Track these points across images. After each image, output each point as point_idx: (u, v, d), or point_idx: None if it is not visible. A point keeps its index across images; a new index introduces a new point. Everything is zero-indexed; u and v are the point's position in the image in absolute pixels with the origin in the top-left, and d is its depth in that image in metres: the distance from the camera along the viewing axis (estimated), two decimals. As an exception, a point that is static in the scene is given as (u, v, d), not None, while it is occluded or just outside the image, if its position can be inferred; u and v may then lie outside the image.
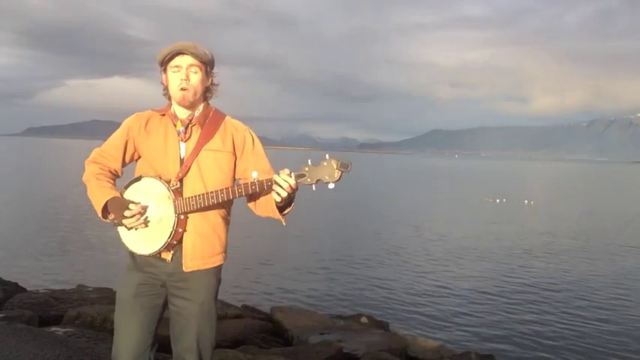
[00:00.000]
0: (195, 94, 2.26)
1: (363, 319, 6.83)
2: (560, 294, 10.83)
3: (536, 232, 20.14)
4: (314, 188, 2.05)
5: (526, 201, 32.19)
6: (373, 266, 12.85)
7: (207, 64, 2.29)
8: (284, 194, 2.06)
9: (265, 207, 2.26)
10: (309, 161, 2.03)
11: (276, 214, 2.21)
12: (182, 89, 2.23)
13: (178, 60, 2.23)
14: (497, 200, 32.06)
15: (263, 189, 2.11)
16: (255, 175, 2.11)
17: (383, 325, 6.96)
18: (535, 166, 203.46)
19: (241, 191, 2.13)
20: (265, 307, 7.43)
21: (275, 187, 2.06)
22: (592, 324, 8.94)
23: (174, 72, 2.25)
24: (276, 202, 2.14)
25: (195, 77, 2.25)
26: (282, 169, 2.09)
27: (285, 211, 2.24)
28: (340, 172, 1.99)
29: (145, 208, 2.23)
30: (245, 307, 7.05)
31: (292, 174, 2.04)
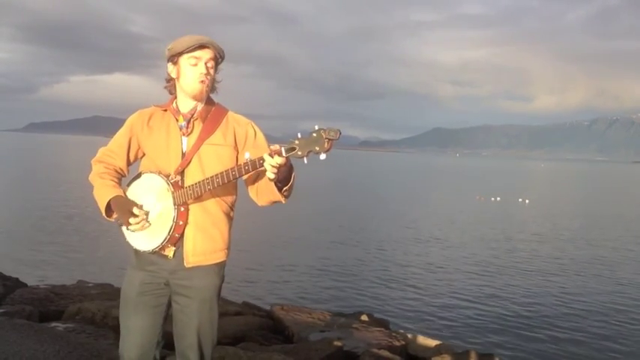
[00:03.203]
0: (210, 87, 2.29)
1: (364, 317, 6.83)
2: (559, 293, 10.84)
3: (532, 231, 20.17)
4: (306, 161, 2.02)
5: (520, 199, 32.31)
6: (373, 264, 12.87)
7: (220, 61, 2.31)
8: (274, 171, 2.04)
9: (265, 190, 2.24)
10: (299, 134, 2.02)
11: (275, 194, 2.20)
12: (202, 82, 2.24)
13: (199, 52, 2.22)
14: (492, 199, 32.23)
15: (256, 168, 2.09)
16: (247, 155, 2.10)
17: (383, 323, 6.95)
18: (536, 165, 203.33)
19: (235, 173, 2.12)
20: (266, 304, 7.44)
21: (265, 164, 2.04)
22: (591, 323, 8.96)
23: (192, 64, 2.23)
24: (272, 180, 2.12)
25: (212, 71, 2.28)
26: (274, 145, 2.07)
27: (284, 189, 2.21)
28: (330, 141, 1.98)
29: (147, 214, 2.24)
30: (245, 304, 7.05)
31: (282, 149, 2.03)
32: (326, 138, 1.97)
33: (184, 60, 2.24)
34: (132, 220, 2.20)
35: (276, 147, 2.05)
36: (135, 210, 2.21)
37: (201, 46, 2.22)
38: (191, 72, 2.24)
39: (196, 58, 2.23)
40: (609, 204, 35.43)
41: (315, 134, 1.99)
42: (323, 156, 1.99)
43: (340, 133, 1.98)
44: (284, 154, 2.02)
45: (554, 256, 14.93)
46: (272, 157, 2.01)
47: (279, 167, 2.04)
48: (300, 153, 2.00)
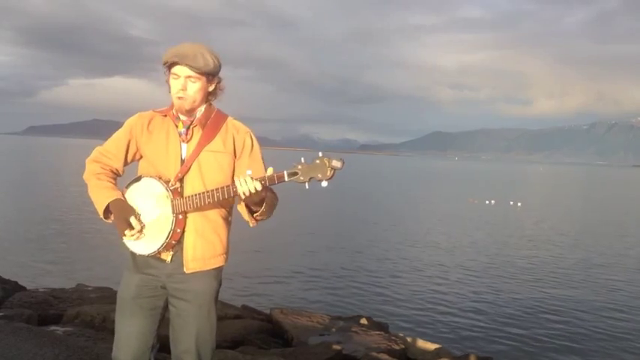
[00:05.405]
0: (193, 102, 2.25)
1: (363, 320, 6.82)
2: (557, 297, 10.84)
3: (522, 234, 20.20)
4: (307, 186, 2.05)
5: (511, 202, 32.40)
6: (373, 267, 12.85)
7: (208, 74, 2.24)
8: (245, 195, 2.09)
9: (243, 208, 2.30)
10: (302, 159, 2.04)
11: (246, 214, 2.27)
12: (179, 98, 2.23)
13: (177, 69, 2.20)
14: (487, 202, 32.46)
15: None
16: (249, 173, 2.11)
17: (382, 327, 6.94)
18: (535, 168, 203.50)
19: (236, 190, 2.13)
20: (265, 308, 7.43)
21: (237, 188, 2.09)
22: (587, 326, 8.97)
23: (173, 79, 2.23)
24: (244, 201, 2.18)
25: (194, 87, 2.22)
26: (269, 168, 2.12)
27: (256, 214, 2.27)
28: (333, 171, 2.00)
29: (143, 227, 2.25)
30: (245, 307, 7.04)
31: (285, 173, 2.05)
32: (329, 167, 1.99)
33: (170, 74, 2.24)
34: (127, 232, 2.21)
35: (270, 170, 2.09)
36: (132, 221, 2.21)
37: (176, 63, 2.19)
38: (172, 86, 2.24)
39: (176, 74, 2.22)
40: (605, 207, 35.50)
41: (318, 161, 2.01)
42: (325, 183, 2.01)
43: (344, 163, 2.01)
44: (286, 178, 2.05)
45: (550, 260, 14.93)
46: (251, 182, 2.06)
47: (251, 195, 2.09)
48: (302, 178, 2.03)
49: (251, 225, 2.32)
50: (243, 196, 2.10)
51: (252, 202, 2.19)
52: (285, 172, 2.05)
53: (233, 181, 2.21)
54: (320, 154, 2.02)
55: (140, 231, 2.23)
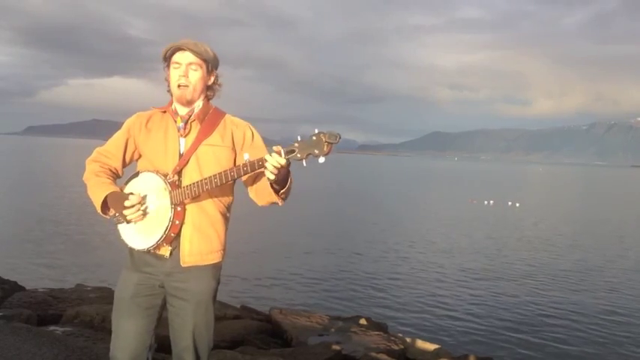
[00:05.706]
0: (193, 91, 2.28)
1: (362, 321, 6.82)
2: (556, 297, 10.86)
3: (519, 235, 20.24)
4: (305, 164, 2.04)
5: (510, 203, 32.49)
6: (372, 268, 12.86)
7: (209, 62, 2.29)
8: (274, 171, 2.04)
9: (263, 191, 2.25)
10: (299, 137, 2.03)
11: (272, 195, 2.22)
12: (180, 86, 2.25)
13: (179, 57, 2.25)
14: (485, 202, 32.58)
15: (255, 169, 2.10)
16: (246, 156, 2.11)
17: (382, 327, 6.94)
18: (535, 169, 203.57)
19: (234, 174, 2.13)
20: (264, 308, 7.43)
21: (266, 164, 2.05)
22: (585, 327, 8.98)
23: (174, 68, 2.27)
24: (270, 181, 2.13)
25: (195, 75, 2.26)
26: (275, 145, 2.08)
27: (282, 192, 2.23)
28: (329, 145, 1.99)
29: (144, 198, 2.24)
30: (244, 307, 7.04)
31: (282, 151, 2.04)
32: (325, 142, 1.97)
33: (170, 65, 2.28)
34: (127, 203, 2.19)
35: (278, 148, 2.06)
36: (130, 196, 2.21)
37: (179, 50, 2.24)
38: (173, 75, 2.27)
39: (177, 62, 2.25)
40: (604, 207, 35.53)
41: (314, 137, 1.99)
42: (322, 159, 1.99)
43: (340, 138, 1.98)
44: (283, 156, 2.03)
45: (548, 261, 14.96)
46: (272, 158, 2.03)
47: (280, 168, 2.04)
48: (299, 155, 2.01)
49: (280, 204, 2.28)
50: (273, 173, 2.05)
51: (278, 181, 2.14)
52: (283, 150, 2.04)
53: (234, 166, 2.21)
54: (316, 130, 2.00)
55: (140, 204, 2.22)
